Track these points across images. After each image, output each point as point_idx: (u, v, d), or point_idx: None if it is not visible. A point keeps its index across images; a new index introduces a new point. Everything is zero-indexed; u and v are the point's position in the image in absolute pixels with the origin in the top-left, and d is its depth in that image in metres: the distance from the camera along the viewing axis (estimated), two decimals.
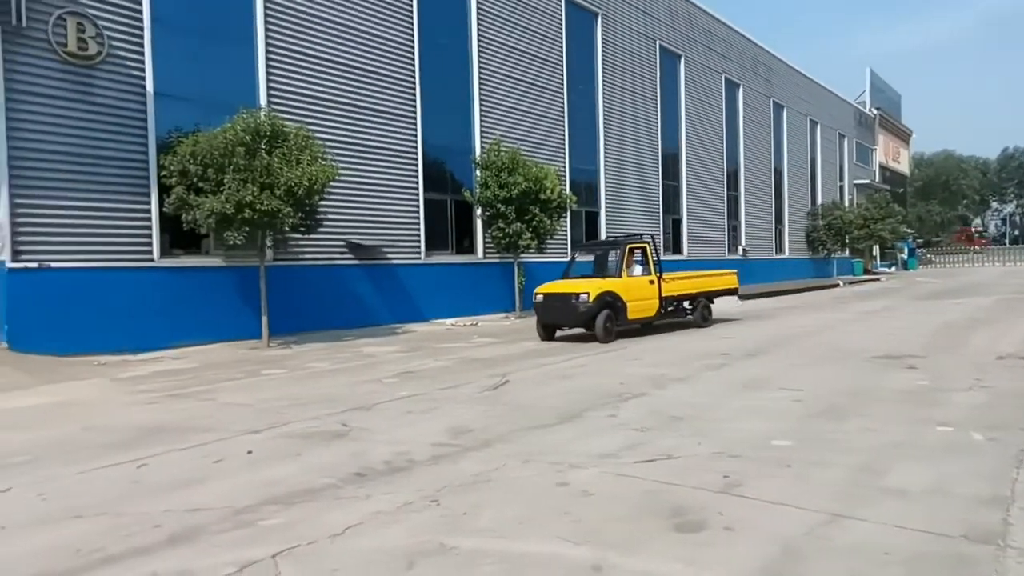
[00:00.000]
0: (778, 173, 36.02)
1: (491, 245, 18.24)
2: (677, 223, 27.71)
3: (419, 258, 16.81)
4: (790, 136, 37.06)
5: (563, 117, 21.44)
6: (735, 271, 16.34)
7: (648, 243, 13.91)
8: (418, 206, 16.87)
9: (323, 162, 12.10)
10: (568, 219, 20.19)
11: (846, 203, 42.69)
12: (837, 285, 32.17)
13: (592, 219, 23.00)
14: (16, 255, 10.65)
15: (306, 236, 13.18)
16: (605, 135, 23.30)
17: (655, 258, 13.86)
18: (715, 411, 6.71)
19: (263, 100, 13.52)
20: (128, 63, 11.86)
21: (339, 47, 15.12)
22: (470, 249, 18.64)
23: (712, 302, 15.23)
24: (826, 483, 4.49)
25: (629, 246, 13.62)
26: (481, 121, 18.61)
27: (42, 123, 10.93)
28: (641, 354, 11.11)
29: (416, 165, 16.82)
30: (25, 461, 5.51)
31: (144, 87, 12.01)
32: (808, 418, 6.35)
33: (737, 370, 9.16)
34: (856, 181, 46.29)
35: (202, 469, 5.18)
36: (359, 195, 15.42)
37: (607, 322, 12.55)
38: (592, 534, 3.73)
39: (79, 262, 11.30)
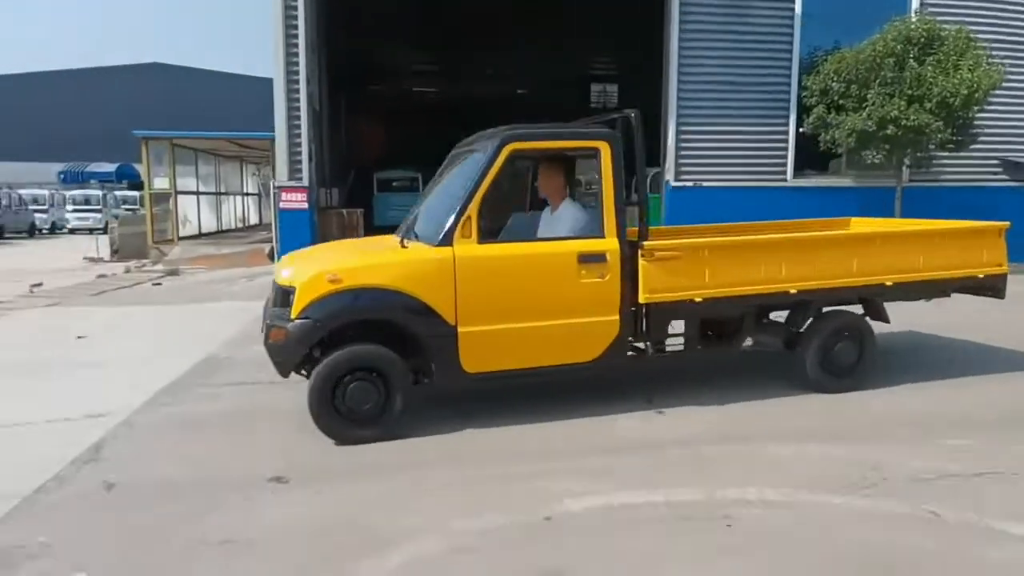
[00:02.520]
0: None
1: None
2: None
3: None
4: None
5: None
6: (1003, 225, 5.65)
7: (593, 141, 4.63)
8: None
9: (986, 66, 10.47)
10: None
11: None
12: None
13: None
14: (678, 175, 12.58)
15: (953, 154, 11.76)
16: None
17: (616, 181, 4.50)
18: None
19: (915, 2, 12.35)
20: None
21: None
22: None
23: (884, 314, 5.48)
24: None
25: (511, 148, 4.40)
26: None
27: (703, 56, 12.41)
28: None
29: None
30: None
31: (792, 10, 12.36)
32: None
33: None
34: None
35: None
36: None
37: (320, 399, 4.13)
38: None
39: (723, 181, 12.65)
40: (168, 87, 49.79)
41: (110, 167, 39.37)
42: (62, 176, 39.74)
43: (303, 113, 11.97)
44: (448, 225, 4.26)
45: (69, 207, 29.98)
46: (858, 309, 5.37)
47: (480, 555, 2.95)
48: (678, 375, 5.44)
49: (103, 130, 43.38)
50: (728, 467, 3.81)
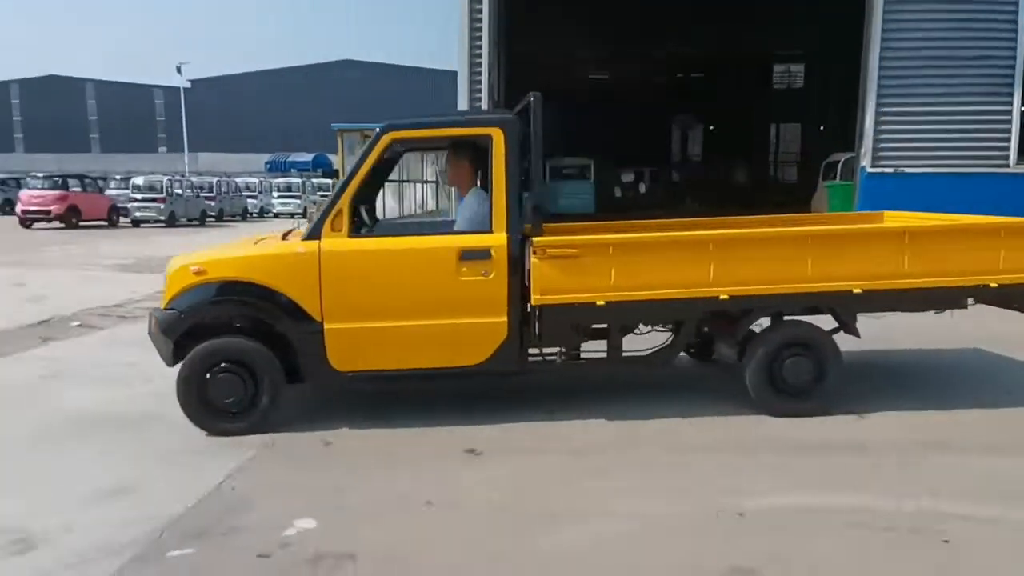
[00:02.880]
0: None
1: None
2: None
3: None
4: None
5: None
6: None
7: (483, 128, 4.39)
8: None
9: None
10: None
11: None
12: None
13: None
14: (876, 160, 11.62)
15: None
16: None
17: (509, 170, 4.14)
18: None
19: None
20: None
21: None
22: None
23: (852, 327, 4.51)
24: None
25: (390, 137, 4.21)
26: None
27: (910, 29, 11.32)
28: None
29: None
30: None
31: None
32: None
33: None
34: None
35: None
36: None
37: (185, 390, 4.12)
38: None
39: (929, 167, 11.49)
40: (358, 82, 53.67)
41: (307, 157, 43.29)
42: (268, 166, 44.32)
43: (484, 104, 12.43)
44: (316, 218, 4.19)
45: (275, 193, 33.38)
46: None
47: (664, 543, 2.98)
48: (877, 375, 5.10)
49: (302, 123, 47.63)
50: (928, 476, 3.54)
